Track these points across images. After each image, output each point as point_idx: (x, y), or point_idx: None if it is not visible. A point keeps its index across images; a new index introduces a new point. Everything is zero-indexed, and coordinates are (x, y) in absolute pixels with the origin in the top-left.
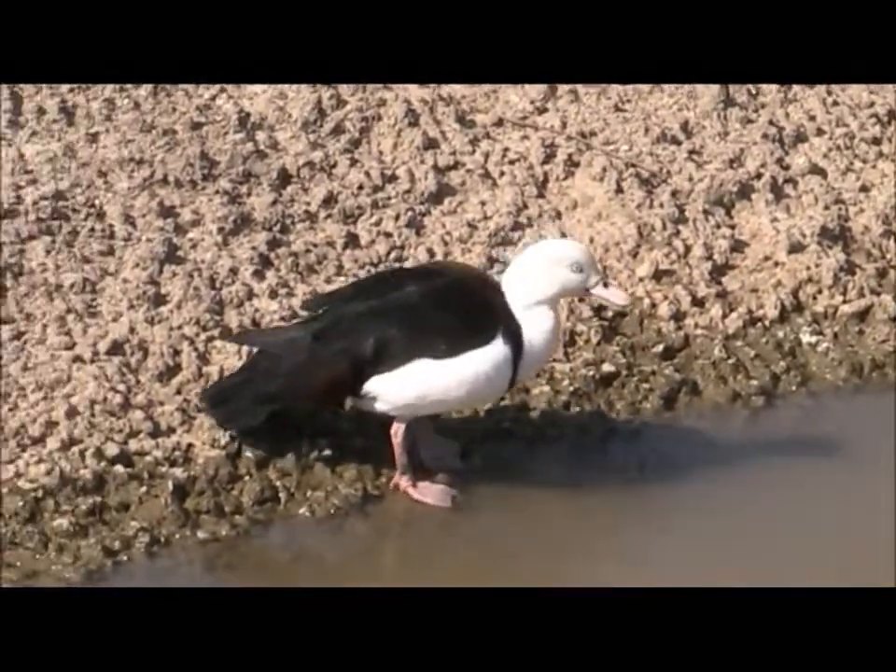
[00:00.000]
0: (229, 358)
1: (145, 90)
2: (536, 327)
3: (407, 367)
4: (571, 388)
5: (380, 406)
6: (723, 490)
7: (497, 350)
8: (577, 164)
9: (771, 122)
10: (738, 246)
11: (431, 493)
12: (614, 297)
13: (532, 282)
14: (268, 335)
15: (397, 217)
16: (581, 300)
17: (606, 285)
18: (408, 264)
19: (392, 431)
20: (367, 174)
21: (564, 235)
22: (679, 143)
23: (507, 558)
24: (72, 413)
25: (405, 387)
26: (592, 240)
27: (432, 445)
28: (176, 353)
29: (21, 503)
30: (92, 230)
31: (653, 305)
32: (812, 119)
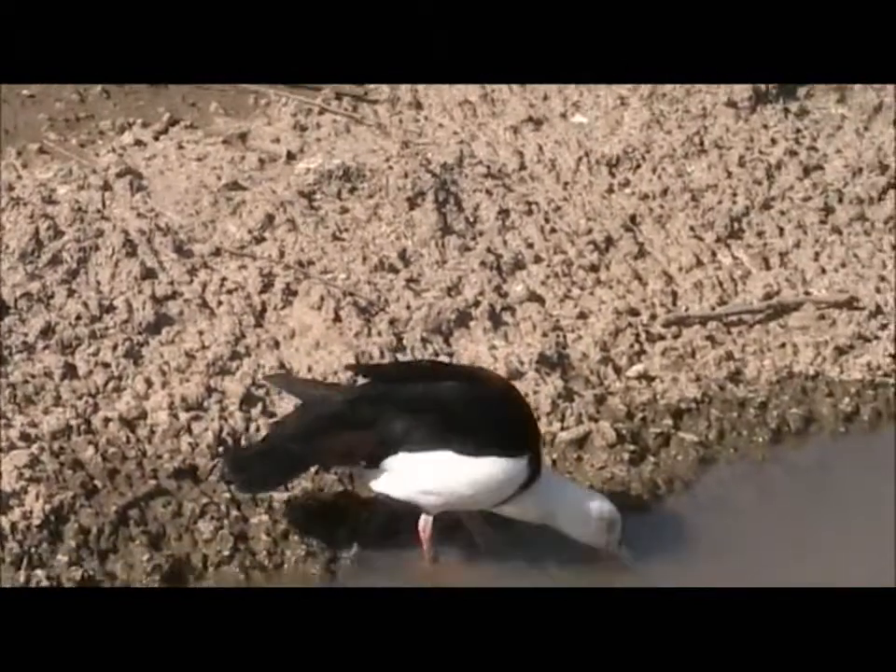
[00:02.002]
0: None
1: None
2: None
3: (429, 453)
4: None
5: (389, 487)
6: None
7: (518, 466)
8: (295, 293)
9: (489, 250)
10: None
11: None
12: (624, 559)
13: (569, 518)
14: (306, 386)
15: (115, 348)
16: None
17: (619, 545)
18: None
19: (420, 526)
20: (85, 304)
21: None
22: (396, 271)
23: None
24: None
25: (420, 471)
26: (310, 369)
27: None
28: None
29: None
30: None
31: None
32: (530, 246)
